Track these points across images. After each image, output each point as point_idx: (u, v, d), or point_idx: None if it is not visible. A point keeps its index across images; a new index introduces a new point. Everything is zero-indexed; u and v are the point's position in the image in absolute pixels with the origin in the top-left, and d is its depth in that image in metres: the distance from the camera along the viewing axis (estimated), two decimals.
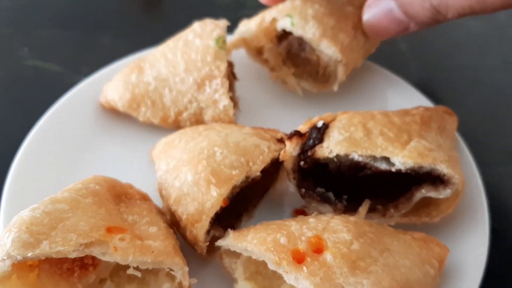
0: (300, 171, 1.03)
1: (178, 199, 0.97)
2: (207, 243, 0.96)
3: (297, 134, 1.02)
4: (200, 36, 1.18)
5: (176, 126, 1.21)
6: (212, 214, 0.94)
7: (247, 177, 0.99)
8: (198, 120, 1.19)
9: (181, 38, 1.22)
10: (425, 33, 1.63)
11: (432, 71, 1.55)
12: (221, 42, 1.16)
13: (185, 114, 1.19)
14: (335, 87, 1.21)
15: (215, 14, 1.70)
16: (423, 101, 1.25)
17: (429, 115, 1.08)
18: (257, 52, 1.28)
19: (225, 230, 1.01)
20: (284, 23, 1.17)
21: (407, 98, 1.27)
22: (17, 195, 1.09)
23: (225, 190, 0.95)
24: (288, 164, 1.03)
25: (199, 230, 0.94)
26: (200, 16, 1.70)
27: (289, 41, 1.22)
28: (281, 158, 1.03)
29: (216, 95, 1.15)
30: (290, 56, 1.24)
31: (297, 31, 1.15)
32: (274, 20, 1.19)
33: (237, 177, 0.97)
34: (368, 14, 1.17)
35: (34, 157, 1.15)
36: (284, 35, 1.23)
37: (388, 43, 1.62)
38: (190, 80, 1.16)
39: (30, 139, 1.18)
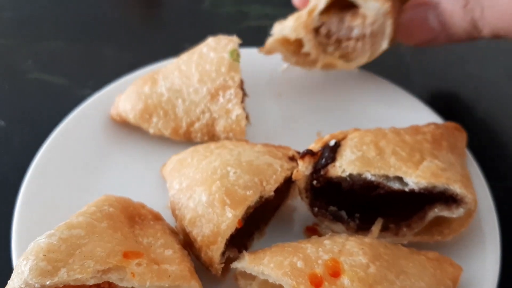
0: (312, 190, 1.04)
1: (193, 221, 0.97)
2: (222, 265, 0.96)
3: (309, 153, 1.02)
4: (215, 49, 1.20)
5: (187, 137, 1.21)
6: (227, 236, 0.94)
7: (261, 197, 0.99)
8: (209, 131, 1.20)
9: (195, 51, 1.23)
10: None
11: (436, 82, 1.56)
12: (235, 55, 1.19)
13: (197, 125, 1.19)
14: (385, 45, 1.21)
15: (218, 24, 1.71)
16: (430, 115, 1.26)
17: (440, 133, 1.08)
18: (294, 52, 1.28)
19: (239, 249, 1.01)
20: None
21: (414, 112, 1.28)
22: (28, 213, 1.08)
23: (240, 212, 0.95)
24: (301, 183, 1.03)
25: (215, 252, 0.94)
26: (203, 26, 1.71)
27: (327, 25, 1.23)
28: (294, 177, 1.03)
29: (230, 105, 1.16)
30: (330, 40, 1.25)
31: None
32: (311, 11, 1.20)
33: (251, 197, 0.97)
34: (403, 17, 1.20)
35: (44, 175, 1.15)
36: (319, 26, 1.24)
37: (392, 54, 1.63)
38: (203, 91, 1.17)
39: (40, 157, 1.17)
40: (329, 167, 1.00)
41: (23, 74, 1.51)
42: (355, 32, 1.21)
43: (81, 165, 1.19)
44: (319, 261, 0.88)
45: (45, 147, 1.19)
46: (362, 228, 1.04)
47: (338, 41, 1.24)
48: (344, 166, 0.99)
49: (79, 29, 1.66)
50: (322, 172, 1.01)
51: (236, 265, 0.95)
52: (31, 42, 1.60)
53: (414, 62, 1.59)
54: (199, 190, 0.99)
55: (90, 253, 0.83)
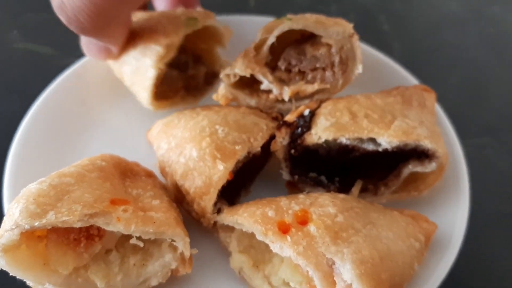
0: (291, 159, 1.06)
1: (185, 174, 1.00)
2: (215, 215, 0.99)
3: (285, 124, 1.05)
4: None
5: None
6: (219, 186, 0.97)
7: (249, 153, 1.02)
8: None
9: None
10: (406, 13, 1.68)
11: (414, 49, 1.60)
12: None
13: None
14: (360, 69, 1.10)
15: None
16: (407, 77, 1.30)
17: (409, 94, 1.12)
18: (252, 94, 1.16)
19: (229, 204, 1.03)
20: (282, 26, 1.08)
21: (393, 76, 1.31)
22: (16, 179, 1.08)
23: (231, 164, 0.97)
24: (280, 154, 1.05)
25: (207, 202, 0.97)
26: None
27: (284, 58, 1.12)
28: (272, 148, 1.05)
29: None
30: (291, 74, 1.14)
31: (298, 24, 1.07)
32: (258, 46, 1.11)
33: (240, 152, 1.00)
34: None
35: (32, 140, 1.15)
36: (273, 61, 1.14)
37: (371, 23, 1.66)
38: None
39: (27, 121, 1.17)
40: (305, 135, 1.03)
41: (9, 44, 1.51)
42: (321, 62, 1.11)
43: (69, 129, 1.20)
44: (290, 211, 0.91)
45: (32, 111, 1.19)
46: (343, 190, 1.06)
47: (301, 73, 1.13)
48: (319, 133, 1.01)
49: None
50: (299, 141, 1.03)
51: (215, 217, 0.98)
52: (16, 12, 1.59)
53: (393, 30, 1.63)
54: (189, 147, 1.02)
55: (78, 199, 0.85)
